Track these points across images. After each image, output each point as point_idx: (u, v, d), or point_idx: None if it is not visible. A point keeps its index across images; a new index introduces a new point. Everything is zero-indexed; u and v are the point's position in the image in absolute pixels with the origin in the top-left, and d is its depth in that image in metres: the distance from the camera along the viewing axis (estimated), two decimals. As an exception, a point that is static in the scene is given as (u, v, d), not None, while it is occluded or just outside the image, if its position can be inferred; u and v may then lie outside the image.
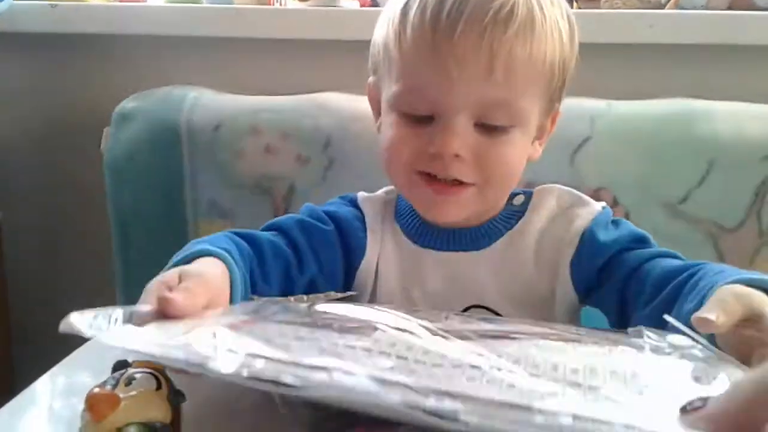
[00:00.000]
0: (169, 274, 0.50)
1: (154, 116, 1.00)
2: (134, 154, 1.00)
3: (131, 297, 1.08)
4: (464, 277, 0.69)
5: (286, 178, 0.98)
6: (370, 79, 0.73)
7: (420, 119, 0.64)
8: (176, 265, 0.55)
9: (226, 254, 0.57)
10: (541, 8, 0.63)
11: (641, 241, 0.67)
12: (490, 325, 0.51)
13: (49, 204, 1.24)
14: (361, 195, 0.76)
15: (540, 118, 0.68)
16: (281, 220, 0.71)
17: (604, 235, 0.67)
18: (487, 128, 0.64)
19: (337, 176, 0.97)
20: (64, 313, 0.41)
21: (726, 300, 0.47)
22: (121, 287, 1.04)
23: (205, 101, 1.01)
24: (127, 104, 1.03)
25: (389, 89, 0.66)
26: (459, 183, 0.64)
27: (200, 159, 0.99)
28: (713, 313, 0.45)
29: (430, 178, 0.65)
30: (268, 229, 0.70)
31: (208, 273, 0.53)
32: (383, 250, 0.72)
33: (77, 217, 1.22)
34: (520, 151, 0.66)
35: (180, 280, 0.50)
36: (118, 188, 1.01)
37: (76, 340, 0.60)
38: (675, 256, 0.64)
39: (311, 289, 0.68)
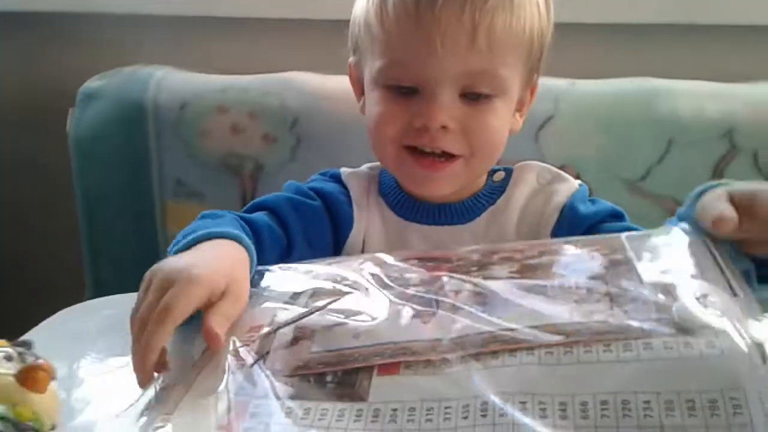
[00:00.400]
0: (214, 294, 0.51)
1: (120, 96, 1.00)
2: (100, 134, 1.00)
3: (98, 277, 1.08)
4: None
5: (253, 157, 0.98)
6: (351, 59, 0.74)
7: (405, 93, 0.65)
8: (198, 240, 0.56)
9: (248, 242, 0.58)
10: None
11: (618, 217, 0.69)
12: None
13: (14, 185, 1.23)
14: (345, 170, 0.77)
15: (520, 89, 0.69)
16: (270, 199, 0.72)
17: (584, 209, 0.69)
18: (472, 98, 0.65)
19: (304, 155, 0.97)
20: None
21: (721, 197, 0.51)
22: (88, 267, 1.04)
23: (171, 80, 1.01)
24: (92, 84, 1.02)
25: (373, 65, 0.67)
26: (446, 157, 0.66)
27: (166, 138, 0.98)
28: (724, 211, 0.49)
29: (418, 153, 0.66)
30: (258, 208, 0.71)
31: (240, 275, 0.54)
32: (370, 224, 0.73)
33: (43, 197, 1.21)
34: (503, 121, 0.68)
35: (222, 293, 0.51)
36: (84, 168, 1.01)
37: (40, 318, 0.61)
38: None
39: None
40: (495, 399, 0.38)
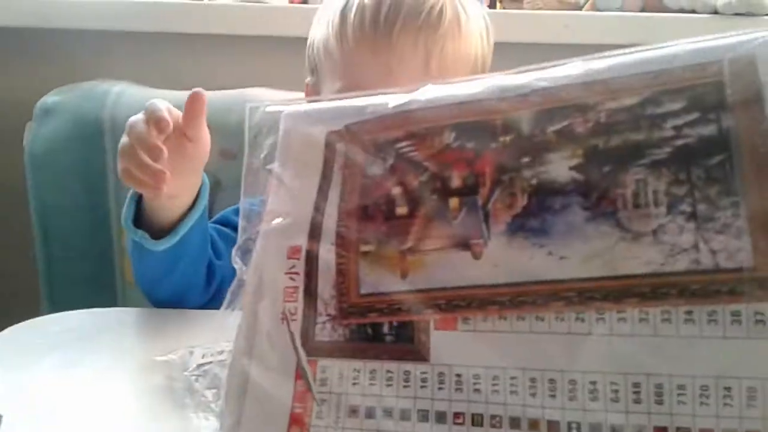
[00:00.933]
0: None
1: (77, 111, 1.00)
2: (56, 149, 0.99)
3: (54, 293, 1.07)
4: None
5: (211, 173, 0.98)
6: (308, 79, 0.76)
7: None
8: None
9: None
10: (465, 9, 0.70)
11: None
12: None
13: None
14: None
15: None
16: (228, 212, 0.78)
17: None
18: None
19: (263, 171, 0.98)
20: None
21: None
22: (43, 282, 1.03)
23: (128, 96, 1.01)
24: (49, 98, 1.02)
25: (332, 87, 0.71)
26: None
27: (124, 154, 0.98)
28: None
29: None
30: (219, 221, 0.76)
31: None
32: None
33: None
34: None
35: None
36: (40, 184, 1.01)
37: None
38: None
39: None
40: (564, 375, 0.33)
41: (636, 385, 0.31)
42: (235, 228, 0.74)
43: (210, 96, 1.01)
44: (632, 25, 1.06)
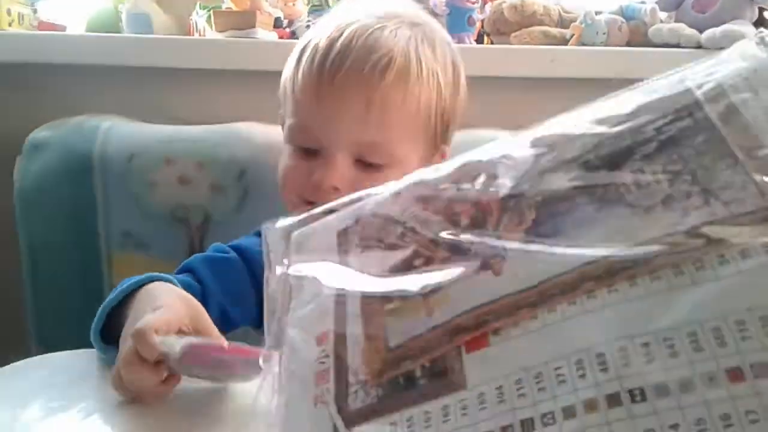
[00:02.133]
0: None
1: (67, 146, 1.00)
2: (46, 185, 0.99)
3: (42, 329, 1.06)
4: None
5: (201, 208, 0.99)
6: (281, 111, 0.77)
7: (308, 152, 0.71)
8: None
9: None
10: (419, 60, 0.70)
11: None
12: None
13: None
14: (268, 224, 0.81)
15: (424, 159, 0.74)
16: (190, 260, 0.77)
17: None
18: (366, 165, 0.70)
19: (252, 206, 0.98)
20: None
21: None
22: (32, 319, 1.02)
23: (118, 131, 1.01)
24: (39, 134, 1.02)
25: (287, 123, 0.74)
26: None
27: (113, 189, 0.98)
28: None
29: (313, 207, 0.70)
30: (181, 271, 0.75)
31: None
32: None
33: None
34: None
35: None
36: (29, 219, 1.00)
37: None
38: None
39: (223, 316, 0.72)
40: (610, 347, 0.32)
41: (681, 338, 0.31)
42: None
43: (198, 131, 1.03)
44: (617, 59, 1.08)
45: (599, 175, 0.37)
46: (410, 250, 0.41)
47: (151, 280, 0.62)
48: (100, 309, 0.62)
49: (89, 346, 0.63)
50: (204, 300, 0.70)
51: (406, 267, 0.40)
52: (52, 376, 0.59)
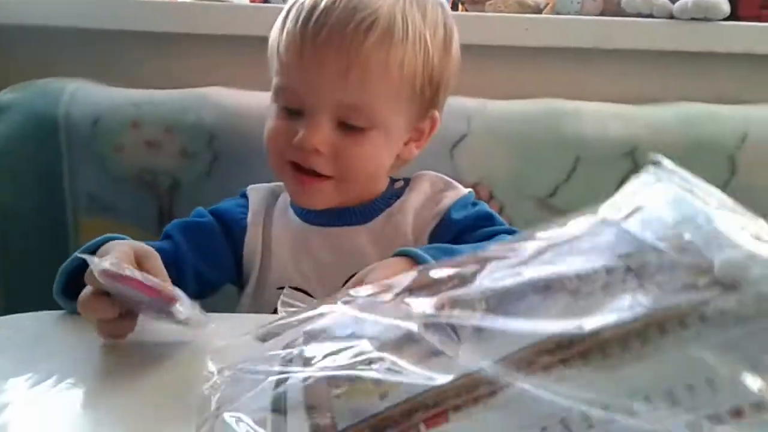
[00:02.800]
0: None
1: (32, 109, 0.98)
2: (10, 148, 0.97)
3: (12, 292, 1.05)
4: (349, 248, 0.76)
5: (169, 173, 0.97)
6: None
7: (293, 113, 0.71)
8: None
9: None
10: (405, 22, 0.69)
11: (486, 219, 0.75)
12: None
13: None
14: (251, 186, 0.84)
15: (410, 123, 0.74)
16: (168, 226, 0.77)
17: (456, 214, 0.75)
18: (348, 128, 0.70)
19: (222, 171, 0.97)
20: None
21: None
22: (1, 284, 1.01)
23: (84, 94, 0.99)
24: (4, 96, 1.00)
25: (273, 83, 0.73)
26: (317, 174, 0.71)
27: (79, 152, 0.96)
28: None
29: (296, 168, 0.72)
30: (163, 238, 0.76)
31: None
32: (273, 230, 0.78)
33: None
34: (380, 150, 0.73)
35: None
36: (-5, 183, 0.98)
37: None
38: (512, 232, 0.72)
39: (199, 278, 0.74)
40: (573, 412, 0.32)
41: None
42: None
43: (167, 95, 1.01)
44: (591, 28, 1.07)
45: (541, 278, 0.38)
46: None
47: (110, 240, 0.63)
48: (60, 269, 0.63)
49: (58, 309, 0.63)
50: (177, 263, 0.71)
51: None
52: (16, 336, 0.60)
